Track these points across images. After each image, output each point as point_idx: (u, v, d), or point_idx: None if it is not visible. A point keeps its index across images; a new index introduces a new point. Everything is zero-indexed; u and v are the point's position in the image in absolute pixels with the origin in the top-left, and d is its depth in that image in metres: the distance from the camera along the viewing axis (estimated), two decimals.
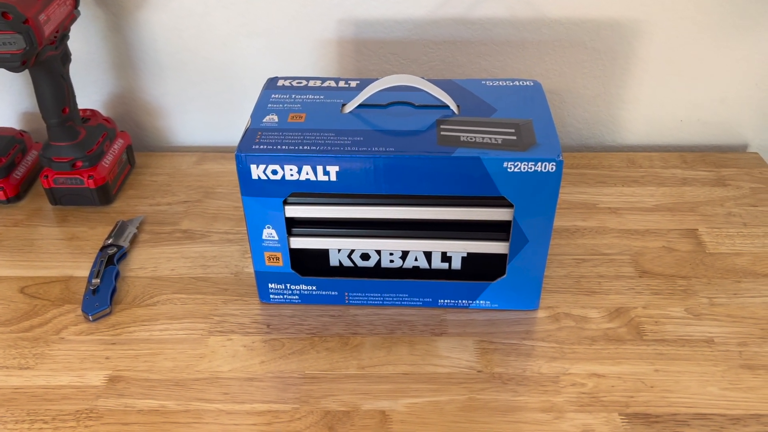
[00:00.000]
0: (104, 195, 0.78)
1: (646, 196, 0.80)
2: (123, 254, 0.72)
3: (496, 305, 0.64)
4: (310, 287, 0.64)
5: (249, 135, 0.58)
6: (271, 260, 0.62)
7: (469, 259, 0.63)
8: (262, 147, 0.57)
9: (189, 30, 0.84)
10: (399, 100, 0.63)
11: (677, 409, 0.55)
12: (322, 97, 0.64)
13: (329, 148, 0.56)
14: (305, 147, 0.56)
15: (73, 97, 0.75)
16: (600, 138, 0.92)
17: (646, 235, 0.74)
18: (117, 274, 0.69)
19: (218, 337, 0.62)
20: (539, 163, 0.55)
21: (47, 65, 0.71)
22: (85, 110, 0.82)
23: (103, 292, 0.66)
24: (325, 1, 0.82)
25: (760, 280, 0.68)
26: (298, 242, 0.62)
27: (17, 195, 0.80)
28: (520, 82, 0.66)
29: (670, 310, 0.65)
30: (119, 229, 0.75)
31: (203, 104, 0.89)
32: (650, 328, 0.63)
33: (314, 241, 0.62)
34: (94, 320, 0.64)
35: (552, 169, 0.55)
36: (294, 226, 0.62)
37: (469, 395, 0.57)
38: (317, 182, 0.57)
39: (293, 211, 0.60)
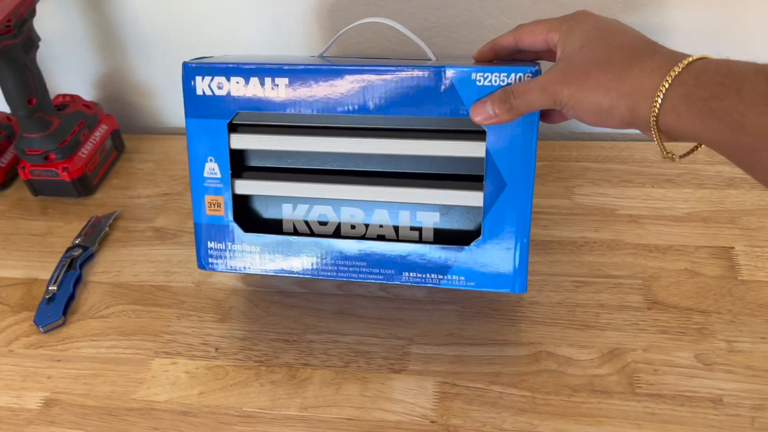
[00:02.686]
0: (83, 187, 0.75)
1: (679, 201, 0.68)
2: (89, 255, 0.68)
3: (472, 283, 0.54)
4: (253, 248, 0.57)
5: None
6: (212, 207, 0.56)
7: (443, 230, 0.55)
8: (211, 60, 0.53)
9: (173, 5, 0.77)
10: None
11: None
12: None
13: (281, 65, 0.52)
14: (256, 63, 0.53)
15: (42, 86, 0.71)
16: None
17: (667, 253, 0.63)
18: (78, 279, 0.66)
19: (163, 360, 0.58)
20: (512, 74, 0.48)
21: (6, 55, 0.66)
22: (64, 96, 0.78)
23: (58, 301, 0.63)
24: None
25: None
26: (244, 186, 0.56)
27: (2, 183, 0.78)
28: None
29: (677, 355, 0.54)
30: (91, 227, 0.71)
31: None
32: (646, 379, 0.53)
33: (262, 185, 0.56)
34: (45, 332, 0.62)
35: (529, 79, 0.47)
36: (242, 170, 0.57)
37: None
38: (265, 100, 0.52)
39: (239, 141, 0.55)
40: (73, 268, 0.66)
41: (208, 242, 0.58)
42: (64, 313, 0.62)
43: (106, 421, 0.54)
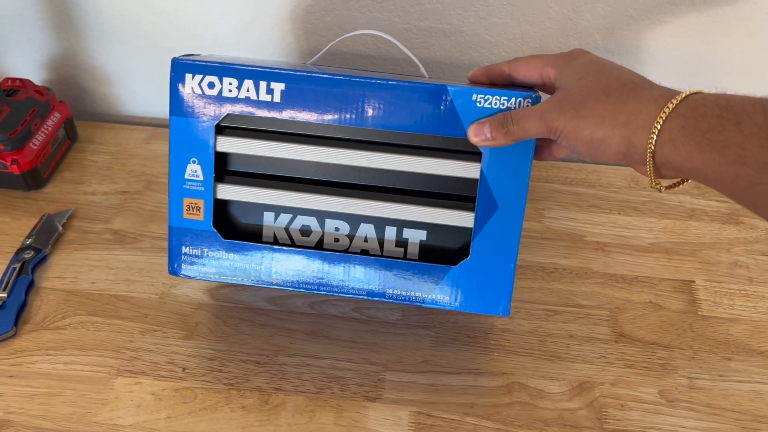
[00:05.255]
0: (33, 180, 0.70)
1: (644, 231, 0.70)
2: (42, 258, 0.64)
3: (457, 303, 0.54)
4: (231, 255, 0.55)
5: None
6: (191, 211, 0.54)
7: (429, 246, 0.55)
8: (201, 58, 0.51)
9: None
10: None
11: None
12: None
13: (278, 69, 0.50)
14: (251, 65, 0.51)
15: None
16: None
17: (633, 284, 0.64)
18: (30, 285, 0.62)
19: (126, 379, 0.56)
20: (512, 99, 0.48)
21: None
22: (13, 80, 0.72)
23: (9, 310, 0.59)
24: None
25: (754, 360, 0.59)
26: (226, 191, 0.54)
27: None
28: None
29: (642, 390, 0.56)
30: (43, 226, 0.67)
31: (155, 73, 0.79)
32: (614, 414, 0.55)
33: (246, 191, 0.54)
34: None
35: (528, 106, 0.48)
36: (225, 174, 0.54)
37: None
38: (258, 101, 0.50)
39: (226, 145, 0.53)
40: (25, 273, 0.62)
41: (183, 247, 0.55)
42: (16, 323, 0.59)
43: None
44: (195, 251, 0.55)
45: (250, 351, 0.58)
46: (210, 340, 0.59)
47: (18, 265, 0.63)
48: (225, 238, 0.55)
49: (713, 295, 0.64)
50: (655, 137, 0.39)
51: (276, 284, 0.55)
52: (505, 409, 0.55)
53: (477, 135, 0.49)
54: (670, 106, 0.39)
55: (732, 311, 0.62)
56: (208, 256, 0.55)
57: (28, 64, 0.79)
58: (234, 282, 0.55)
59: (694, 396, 0.56)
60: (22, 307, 0.60)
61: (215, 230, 0.54)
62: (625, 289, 0.64)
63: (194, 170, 0.53)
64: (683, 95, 0.40)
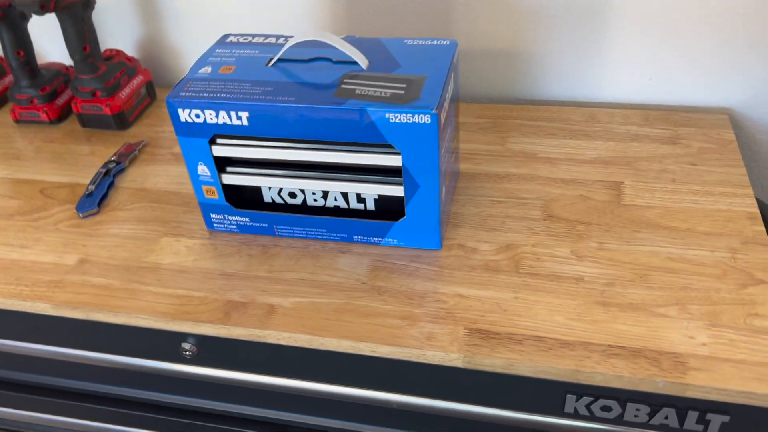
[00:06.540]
0: (120, 121, 0.95)
1: (589, 150, 0.84)
2: (121, 169, 0.87)
3: (402, 243, 0.72)
4: (244, 219, 0.75)
5: (182, 83, 0.69)
6: (209, 193, 0.74)
7: (381, 201, 0.71)
8: (188, 94, 0.67)
9: None
10: (321, 56, 0.71)
11: (517, 330, 0.62)
12: (257, 51, 0.73)
13: (242, 96, 0.66)
14: (222, 95, 0.66)
15: (94, 37, 0.91)
16: (571, 91, 0.95)
17: (570, 185, 0.79)
18: (111, 184, 0.85)
19: (169, 238, 0.77)
20: (416, 115, 0.62)
21: (69, 11, 0.87)
22: (111, 50, 0.98)
23: (95, 196, 0.82)
24: None
25: (659, 232, 0.71)
26: (230, 179, 0.73)
27: (58, 118, 0.98)
28: (439, 42, 0.72)
29: (557, 250, 0.70)
30: (124, 149, 0.90)
31: None
32: (529, 264, 0.69)
33: (243, 178, 0.73)
34: (83, 217, 0.80)
35: (427, 120, 0.62)
36: (227, 164, 0.73)
37: (347, 300, 0.67)
38: (233, 126, 0.67)
39: (218, 151, 0.71)
40: (108, 176, 0.85)
41: (211, 214, 0.76)
42: (99, 205, 0.81)
43: (123, 274, 0.72)
44: (220, 217, 0.76)
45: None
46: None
47: (103, 170, 0.86)
48: (236, 207, 0.74)
49: (638, 191, 0.77)
50: None
51: (278, 234, 0.75)
52: (443, 260, 0.70)
53: None
54: None
55: (651, 201, 0.75)
56: (229, 219, 0.75)
57: (122, 44, 1.05)
58: (249, 233, 0.75)
59: (600, 254, 0.69)
60: (104, 196, 0.83)
61: (228, 204, 0.74)
62: (561, 188, 0.78)
63: (203, 169, 0.72)
64: None
